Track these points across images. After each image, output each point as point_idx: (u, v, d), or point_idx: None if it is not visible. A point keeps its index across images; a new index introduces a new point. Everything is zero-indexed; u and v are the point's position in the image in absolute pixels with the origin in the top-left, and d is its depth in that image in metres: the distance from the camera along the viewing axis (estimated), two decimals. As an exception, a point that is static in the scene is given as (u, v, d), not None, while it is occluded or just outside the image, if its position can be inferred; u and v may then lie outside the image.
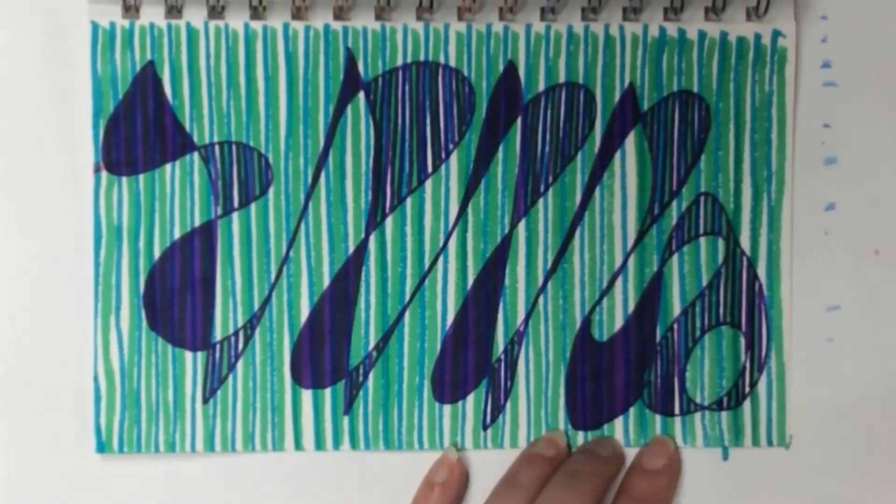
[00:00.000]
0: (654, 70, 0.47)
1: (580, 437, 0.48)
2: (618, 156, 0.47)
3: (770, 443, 0.48)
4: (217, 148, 0.47)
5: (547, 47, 0.47)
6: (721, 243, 0.48)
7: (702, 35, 0.47)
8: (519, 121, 0.47)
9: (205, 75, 0.47)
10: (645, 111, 0.47)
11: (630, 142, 0.47)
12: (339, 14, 0.46)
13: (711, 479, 0.49)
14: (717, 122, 0.47)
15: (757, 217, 0.48)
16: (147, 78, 0.46)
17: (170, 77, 0.46)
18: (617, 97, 0.47)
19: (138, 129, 0.46)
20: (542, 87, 0.47)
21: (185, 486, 0.48)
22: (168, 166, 0.47)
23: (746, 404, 0.48)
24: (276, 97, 0.47)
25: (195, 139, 0.47)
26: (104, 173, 0.46)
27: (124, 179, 0.46)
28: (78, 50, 0.46)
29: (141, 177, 0.46)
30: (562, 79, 0.47)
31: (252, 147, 0.47)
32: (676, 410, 0.48)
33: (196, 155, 0.47)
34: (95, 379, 0.47)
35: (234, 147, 0.47)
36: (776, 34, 0.47)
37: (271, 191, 0.47)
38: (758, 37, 0.47)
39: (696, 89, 0.47)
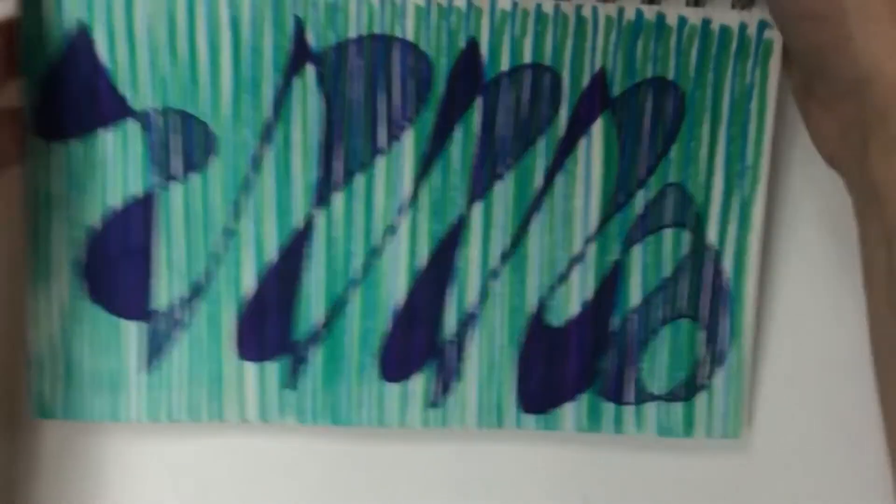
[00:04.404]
0: (627, 55, 0.44)
1: (531, 421, 0.47)
2: (583, 141, 0.44)
3: (725, 434, 0.47)
4: (156, 115, 0.44)
5: (513, 25, 0.43)
6: (687, 235, 0.45)
7: (682, 21, 0.43)
8: (479, 101, 0.44)
9: (142, 39, 0.43)
10: (615, 97, 0.44)
11: (597, 127, 0.44)
12: (287, -22, 0.42)
13: (667, 470, 0.48)
14: (692, 112, 0.44)
15: (727, 211, 0.45)
16: (80, 40, 0.43)
17: (105, 40, 0.43)
18: (586, 81, 0.44)
19: (70, 94, 0.43)
20: (505, 67, 0.44)
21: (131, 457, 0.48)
22: (102, 132, 0.44)
23: (702, 396, 0.47)
24: (218, 65, 0.43)
25: (133, 105, 0.44)
26: (34, 138, 0.44)
27: (54, 145, 0.44)
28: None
29: (72, 142, 0.44)
30: (527, 59, 0.44)
31: (194, 116, 0.44)
32: (630, 399, 0.47)
33: (133, 121, 0.44)
34: (32, 346, 0.45)
35: (174, 115, 0.44)
36: (762, 25, 0.43)
37: (215, 161, 0.44)
38: (742, 27, 0.43)
39: (671, 77, 0.44)
